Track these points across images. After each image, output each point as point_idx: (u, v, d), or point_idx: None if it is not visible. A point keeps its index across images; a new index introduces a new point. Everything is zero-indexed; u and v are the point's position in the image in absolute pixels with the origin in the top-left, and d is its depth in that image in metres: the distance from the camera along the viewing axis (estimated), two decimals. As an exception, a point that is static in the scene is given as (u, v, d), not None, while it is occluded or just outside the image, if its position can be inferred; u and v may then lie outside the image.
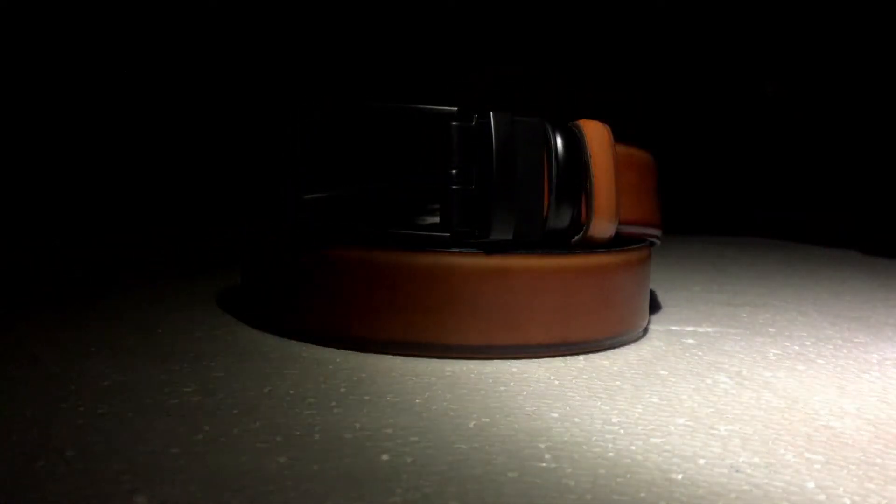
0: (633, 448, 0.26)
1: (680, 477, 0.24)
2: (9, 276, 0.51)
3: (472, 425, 0.28)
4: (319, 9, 1.04)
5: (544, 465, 0.25)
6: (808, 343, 0.42)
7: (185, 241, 0.73)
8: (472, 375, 0.34)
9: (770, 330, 0.45)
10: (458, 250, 0.36)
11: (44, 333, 0.38)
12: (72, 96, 0.98)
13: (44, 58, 0.95)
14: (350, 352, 0.36)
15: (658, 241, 0.43)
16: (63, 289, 0.48)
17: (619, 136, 0.38)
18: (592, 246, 0.37)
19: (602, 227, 0.37)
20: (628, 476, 0.24)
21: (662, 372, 0.35)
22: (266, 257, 0.40)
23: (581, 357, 0.37)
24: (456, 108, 0.35)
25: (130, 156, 1.03)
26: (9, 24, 0.89)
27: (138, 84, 1.03)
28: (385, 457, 0.25)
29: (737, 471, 0.25)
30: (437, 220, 0.36)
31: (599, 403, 0.31)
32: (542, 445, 0.26)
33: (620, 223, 0.37)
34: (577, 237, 0.37)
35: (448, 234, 0.35)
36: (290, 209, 0.37)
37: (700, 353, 0.39)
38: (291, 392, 0.31)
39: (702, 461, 0.26)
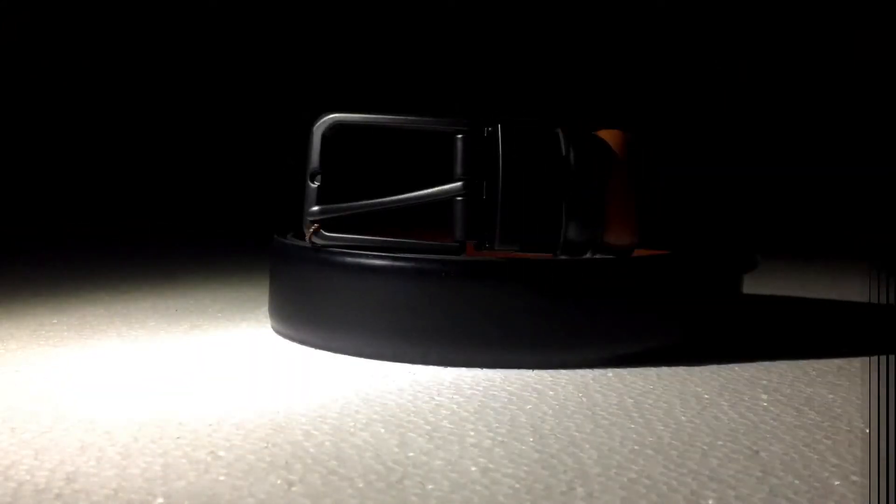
0: (662, 471, 0.25)
1: (711, 503, 0.22)
2: (9, 276, 0.51)
3: (472, 433, 0.27)
4: (322, 15, 1.03)
5: (563, 489, 0.23)
6: (851, 356, 0.40)
7: (193, 249, 0.72)
8: (481, 387, 0.32)
9: (810, 343, 0.43)
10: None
11: (42, 336, 0.37)
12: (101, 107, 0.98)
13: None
14: (350, 356, 0.36)
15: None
16: (61, 292, 0.48)
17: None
18: (611, 255, 0.36)
19: (619, 236, 0.36)
20: (655, 501, 0.22)
21: (697, 388, 0.33)
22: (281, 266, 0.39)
23: (610, 371, 0.35)
24: (466, 119, 0.35)
25: (152, 163, 1.03)
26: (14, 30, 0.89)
27: (145, 88, 1.03)
28: (383, 461, 0.23)
29: (775, 496, 0.23)
30: None
31: (629, 422, 0.29)
32: (563, 467, 0.25)
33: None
34: (593, 246, 0.36)
35: (456, 244, 0.35)
36: (303, 222, 0.37)
37: (737, 368, 0.37)
38: (290, 394, 0.30)
39: (740, 485, 0.24)
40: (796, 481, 0.24)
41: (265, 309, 0.42)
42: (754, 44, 1.07)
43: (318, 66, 1.05)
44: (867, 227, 0.96)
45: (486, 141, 0.35)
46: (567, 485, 0.23)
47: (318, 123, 0.37)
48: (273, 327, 0.41)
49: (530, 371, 0.35)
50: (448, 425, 0.28)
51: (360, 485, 0.23)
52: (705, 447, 0.27)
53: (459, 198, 0.35)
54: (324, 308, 0.36)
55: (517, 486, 0.23)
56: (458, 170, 0.35)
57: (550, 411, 0.30)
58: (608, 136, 0.37)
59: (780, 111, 1.07)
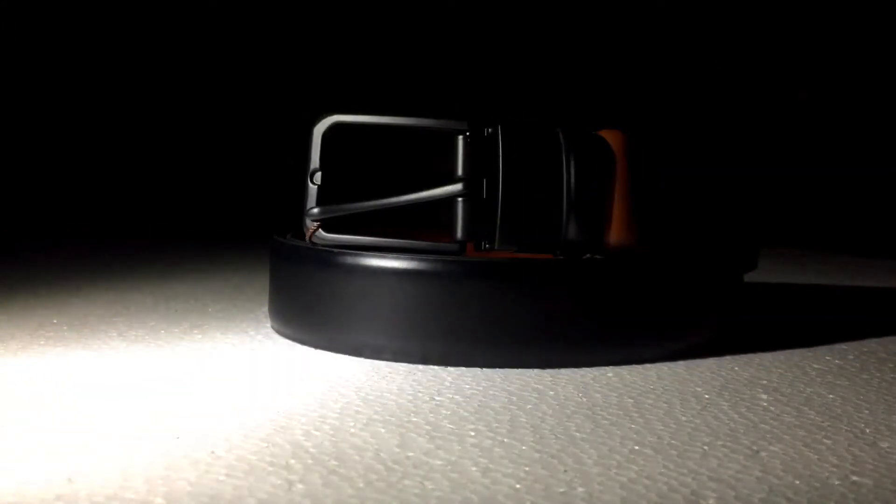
0: (662, 471, 0.25)
1: (711, 503, 0.22)
2: (9, 276, 0.51)
3: (472, 433, 0.27)
4: (322, 15, 1.03)
5: (563, 489, 0.23)
6: (851, 357, 0.40)
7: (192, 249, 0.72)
8: (481, 387, 0.32)
9: (810, 343, 0.43)
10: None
11: (42, 336, 0.37)
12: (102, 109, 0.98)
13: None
14: (350, 356, 0.36)
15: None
16: (61, 292, 0.48)
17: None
18: (611, 256, 0.36)
19: (619, 237, 0.36)
20: (655, 501, 0.22)
21: (697, 388, 0.33)
22: (281, 267, 0.39)
23: (610, 371, 0.35)
24: (466, 121, 0.35)
25: (152, 163, 1.03)
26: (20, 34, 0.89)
27: (150, 90, 1.03)
28: (384, 460, 0.23)
29: (775, 496, 0.23)
30: None
31: (629, 422, 0.29)
32: (563, 466, 0.25)
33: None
34: (593, 246, 0.36)
35: (456, 244, 0.35)
36: (303, 222, 0.37)
37: (737, 368, 0.37)
38: (290, 394, 0.30)
39: (740, 485, 0.24)
40: (796, 481, 0.24)
41: (265, 309, 0.42)
42: (754, 44, 1.07)
43: (318, 66, 1.05)
44: (867, 228, 0.96)
45: (486, 141, 0.35)
46: (567, 485, 0.23)
47: (318, 123, 0.37)
48: (273, 327, 0.40)
49: (530, 371, 0.35)
50: (448, 425, 0.28)
51: (361, 484, 0.23)
52: (705, 447, 0.27)
53: (459, 198, 0.35)
54: (324, 308, 0.36)
55: (517, 486, 0.23)
56: (459, 170, 0.35)
57: (550, 411, 0.30)
58: (608, 136, 0.37)
59: (780, 111, 1.07)
